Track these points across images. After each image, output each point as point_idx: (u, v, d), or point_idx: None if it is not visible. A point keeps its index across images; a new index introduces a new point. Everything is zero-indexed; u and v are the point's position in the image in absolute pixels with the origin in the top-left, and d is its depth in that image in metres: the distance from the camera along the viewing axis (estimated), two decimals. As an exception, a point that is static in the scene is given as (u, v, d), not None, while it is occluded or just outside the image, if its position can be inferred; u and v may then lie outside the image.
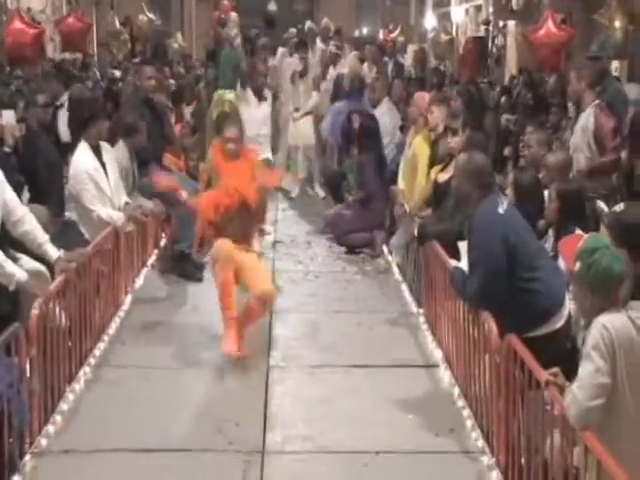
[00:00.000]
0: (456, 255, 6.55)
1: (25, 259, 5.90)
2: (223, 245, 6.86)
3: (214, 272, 7.04)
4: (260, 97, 11.61)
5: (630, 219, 4.87)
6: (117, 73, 16.34)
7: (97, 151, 7.89)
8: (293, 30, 18.56)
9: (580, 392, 4.04)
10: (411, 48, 20.81)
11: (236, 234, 7.03)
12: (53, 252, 5.88)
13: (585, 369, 4.08)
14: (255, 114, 11.29)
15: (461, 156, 5.84)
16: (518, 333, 5.03)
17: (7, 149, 7.97)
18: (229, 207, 6.96)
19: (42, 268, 5.96)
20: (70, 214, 7.77)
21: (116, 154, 8.23)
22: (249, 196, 7.02)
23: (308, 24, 19.08)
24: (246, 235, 7.24)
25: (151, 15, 23.73)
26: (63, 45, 18.66)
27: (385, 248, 9.70)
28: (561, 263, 5.62)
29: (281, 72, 13.61)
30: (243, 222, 7.14)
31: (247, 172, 7.16)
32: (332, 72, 13.56)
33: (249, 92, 11.59)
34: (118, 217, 7.77)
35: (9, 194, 5.80)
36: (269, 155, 11.40)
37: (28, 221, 5.82)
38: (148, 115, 9.10)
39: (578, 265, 4.20)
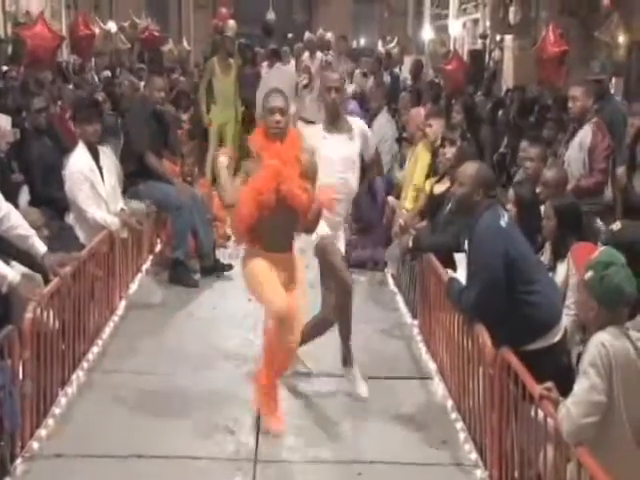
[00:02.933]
0: (451, 266, 6.58)
1: (17, 265, 5.90)
2: (278, 300, 5.50)
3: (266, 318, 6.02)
4: None
5: (627, 238, 4.93)
6: (108, 72, 16.33)
7: (95, 154, 7.90)
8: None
9: (574, 408, 4.06)
10: (408, 59, 20.88)
11: (275, 242, 5.70)
12: (40, 246, 5.80)
13: (581, 385, 4.10)
14: None
15: (470, 165, 5.76)
16: (515, 346, 5.03)
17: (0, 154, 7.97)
18: (268, 202, 5.48)
19: (34, 273, 5.96)
20: (69, 219, 7.77)
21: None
22: (294, 187, 5.50)
23: (307, 35, 19.19)
24: (288, 244, 5.82)
25: (149, 21, 23.75)
26: (70, 49, 18.76)
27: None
28: (557, 277, 5.65)
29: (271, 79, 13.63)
30: (286, 225, 5.69)
31: (293, 157, 5.61)
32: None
33: None
34: (112, 221, 7.78)
35: None
36: None
37: (13, 217, 5.79)
38: (155, 126, 9.09)
39: (590, 274, 4.20)
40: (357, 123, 6.92)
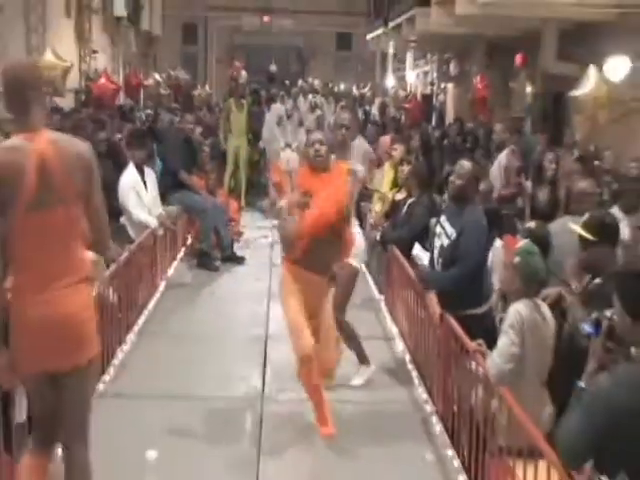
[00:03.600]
0: (408, 255, 6.66)
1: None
2: (304, 342, 4.64)
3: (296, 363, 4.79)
4: None
5: (539, 233, 5.05)
6: (149, 111, 16.38)
7: (141, 172, 7.97)
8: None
9: (498, 358, 4.15)
10: (377, 100, 21.00)
11: (317, 264, 4.78)
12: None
13: (502, 341, 4.18)
14: None
15: (466, 164, 5.42)
16: (463, 310, 5.00)
17: None
18: (316, 229, 4.66)
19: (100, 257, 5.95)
20: (122, 220, 7.82)
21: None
22: (339, 215, 4.72)
23: (300, 83, 19.28)
24: (328, 268, 4.92)
25: (180, 74, 23.82)
26: (125, 95, 19.01)
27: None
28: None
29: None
30: (328, 250, 4.81)
31: (340, 187, 4.81)
32: (311, 116, 13.84)
33: None
34: (153, 222, 7.84)
35: None
36: None
37: None
38: (186, 150, 9.19)
39: (517, 259, 4.27)
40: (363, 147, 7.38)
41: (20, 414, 4.02)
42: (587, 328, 3.56)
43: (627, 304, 3.10)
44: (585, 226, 4.60)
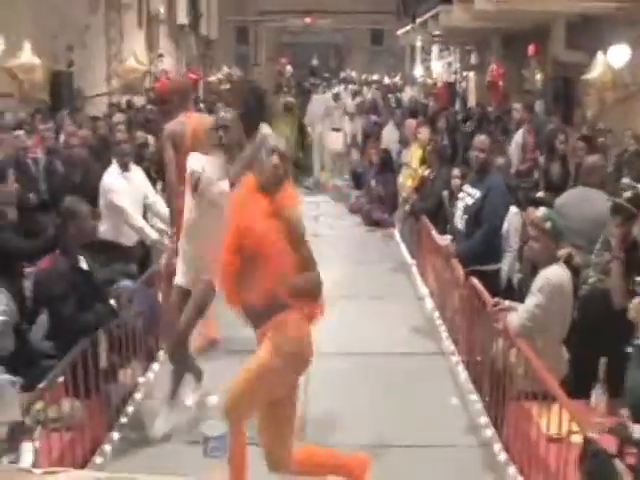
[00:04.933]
0: (436, 221, 6.59)
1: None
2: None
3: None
4: None
5: (548, 202, 4.94)
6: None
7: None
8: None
9: (523, 314, 4.01)
10: (407, 88, 20.80)
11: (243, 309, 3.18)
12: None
13: (531, 301, 4.01)
14: None
15: (484, 137, 5.46)
16: (480, 265, 5.04)
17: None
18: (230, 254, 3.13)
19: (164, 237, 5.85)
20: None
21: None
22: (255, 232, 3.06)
23: (341, 74, 19.20)
24: (254, 310, 3.13)
25: (236, 69, 23.78)
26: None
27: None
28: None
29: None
30: (250, 281, 3.08)
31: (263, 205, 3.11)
32: (350, 102, 13.69)
33: None
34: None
35: (149, 188, 5.94)
36: None
37: (159, 203, 5.86)
38: None
39: (548, 224, 4.03)
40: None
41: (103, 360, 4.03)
42: None
43: None
44: (630, 201, 4.21)
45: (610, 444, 3.06)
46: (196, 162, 4.24)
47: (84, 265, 4.24)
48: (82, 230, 4.19)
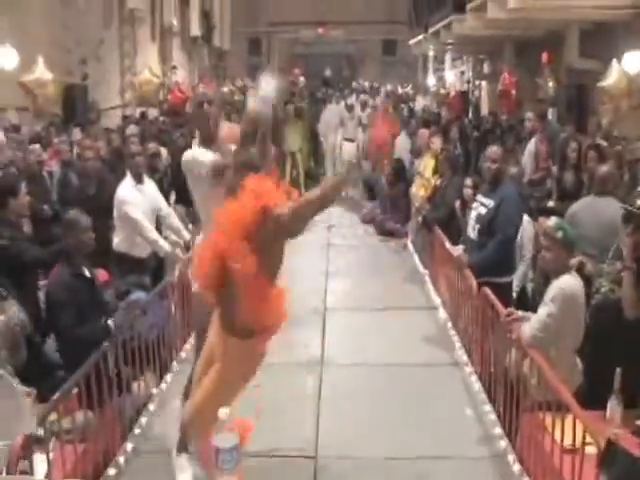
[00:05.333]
0: (448, 233, 6.57)
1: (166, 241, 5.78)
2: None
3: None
4: None
5: (560, 211, 4.93)
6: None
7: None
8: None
9: (536, 324, 4.00)
10: (419, 98, 20.82)
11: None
12: (186, 234, 5.78)
13: (544, 311, 4.01)
14: None
15: (496, 148, 5.45)
16: (496, 277, 5.04)
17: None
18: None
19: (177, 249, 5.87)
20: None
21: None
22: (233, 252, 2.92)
23: (354, 84, 19.20)
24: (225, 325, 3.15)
25: (249, 80, 23.94)
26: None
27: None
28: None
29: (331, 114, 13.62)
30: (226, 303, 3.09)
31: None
32: (363, 113, 13.71)
33: None
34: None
35: (162, 200, 5.95)
36: None
37: (172, 215, 5.92)
38: None
39: (560, 234, 4.04)
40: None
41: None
42: None
43: None
44: None
45: (632, 447, 3.02)
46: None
47: (87, 274, 4.28)
48: (80, 241, 4.26)
